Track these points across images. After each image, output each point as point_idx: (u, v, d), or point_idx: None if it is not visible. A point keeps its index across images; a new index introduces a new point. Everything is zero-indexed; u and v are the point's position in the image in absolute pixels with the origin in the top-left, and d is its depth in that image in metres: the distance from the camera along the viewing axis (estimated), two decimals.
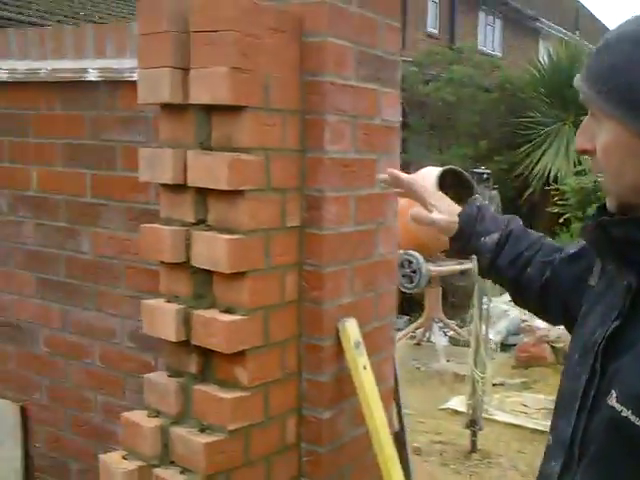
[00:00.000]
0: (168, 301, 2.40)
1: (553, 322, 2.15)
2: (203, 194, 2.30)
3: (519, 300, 2.10)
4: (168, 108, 2.33)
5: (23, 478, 3.85)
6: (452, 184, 4.79)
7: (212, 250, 2.24)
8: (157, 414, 2.42)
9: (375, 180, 2.30)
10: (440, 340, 9.26)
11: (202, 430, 2.31)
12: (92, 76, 3.08)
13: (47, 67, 3.23)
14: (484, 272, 2.10)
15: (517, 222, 2.07)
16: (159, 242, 2.34)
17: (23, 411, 3.79)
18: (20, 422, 3.79)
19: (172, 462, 2.34)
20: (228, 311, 2.30)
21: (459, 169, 5.13)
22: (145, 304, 2.42)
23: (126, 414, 2.46)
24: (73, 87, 3.22)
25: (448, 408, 7.10)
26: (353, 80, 2.50)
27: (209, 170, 2.21)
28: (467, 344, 9.03)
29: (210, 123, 2.26)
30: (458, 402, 7.01)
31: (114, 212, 3.20)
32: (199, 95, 2.21)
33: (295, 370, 2.52)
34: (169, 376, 2.45)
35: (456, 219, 2.02)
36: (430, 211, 2.04)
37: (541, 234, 2.08)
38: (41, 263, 3.55)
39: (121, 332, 3.29)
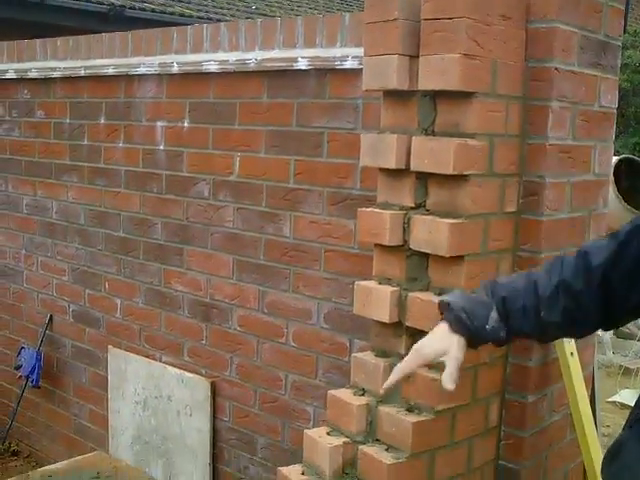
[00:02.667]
0: (380, 283, 2.47)
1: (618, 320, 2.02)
2: (423, 179, 2.35)
3: (575, 332, 2.12)
4: (392, 95, 2.39)
5: (211, 449, 4.03)
6: (628, 173, 4.68)
7: (432, 234, 2.29)
8: (363, 392, 2.48)
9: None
10: (607, 332, 9.01)
11: (409, 410, 2.35)
12: (302, 65, 3.19)
13: (257, 57, 3.36)
14: (509, 342, 2.11)
15: (494, 283, 2.06)
16: (377, 225, 2.40)
17: (213, 387, 3.97)
18: (210, 397, 3.97)
19: (377, 440, 2.39)
20: (443, 294, 2.34)
21: (636, 158, 4.96)
22: (360, 285, 2.48)
23: (332, 392, 2.52)
24: (281, 76, 3.35)
25: (616, 401, 6.91)
26: (575, 66, 2.50)
27: (434, 155, 2.26)
28: (632, 337, 8.76)
29: (435, 109, 2.31)
30: (627, 395, 6.80)
31: (317, 197, 3.31)
32: (427, 82, 2.26)
33: (502, 354, 2.54)
34: (376, 356, 2.52)
35: (456, 338, 1.99)
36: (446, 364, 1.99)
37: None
38: (240, 246, 3.71)
39: (317, 313, 3.40)
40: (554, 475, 2.72)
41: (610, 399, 6.98)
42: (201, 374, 4.03)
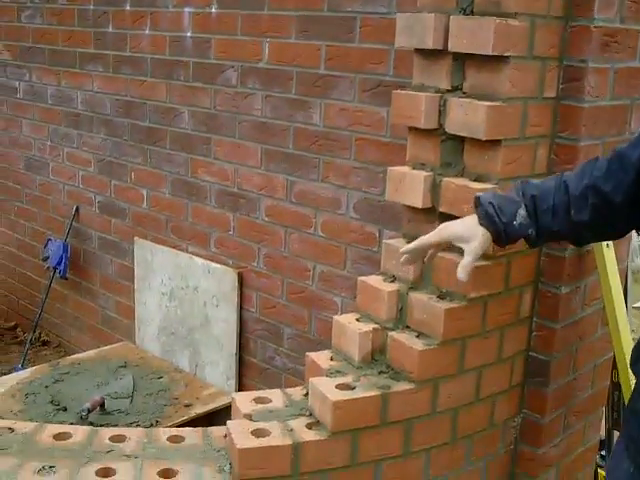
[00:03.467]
0: (413, 168, 2.42)
1: None
2: (461, 60, 2.28)
3: (607, 233, 2.09)
4: None
5: (237, 339, 4.06)
6: None
7: (469, 116, 2.23)
8: (393, 279, 2.46)
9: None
10: (635, 238, 8.95)
11: (441, 297, 2.33)
12: None
13: None
14: (541, 242, 2.12)
15: (525, 183, 2.06)
16: (412, 108, 2.34)
17: (240, 277, 3.97)
18: (237, 288, 3.98)
19: (407, 327, 2.37)
20: (478, 180, 2.30)
21: None
22: (393, 170, 2.44)
23: (362, 278, 2.50)
24: None
25: None
26: None
27: (473, 35, 2.17)
28: None
29: None
30: None
31: (348, 84, 3.23)
32: None
33: None
34: (407, 242, 2.48)
35: (482, 230, 2.02)
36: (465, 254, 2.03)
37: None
38: (268, 134, 3.66)
39: (346, 203, 3.36)
40: (583, 368, 2.71)
41: (636, 305, 6.97)
42: (228, 265, 4.03)
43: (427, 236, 2.12)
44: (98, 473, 2.10)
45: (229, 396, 4.14)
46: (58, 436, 2.29)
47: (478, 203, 2.04)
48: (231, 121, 3.84)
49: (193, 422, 3.78)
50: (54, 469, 2.10)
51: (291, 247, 3.68)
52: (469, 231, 2.04)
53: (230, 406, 4.01)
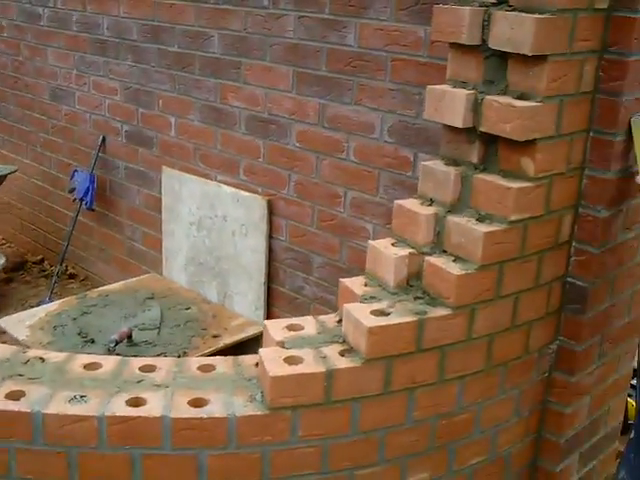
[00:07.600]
0: (454, 87, 2.33)
1: None
2: None
3: None
4: None
5: (266, 269, 4.02)
6: None
7: (515, 30, 2.12)
8: (431, 202, 2.38)
9: None
10: None
11: (480, 220, 2.26)
12: None
13: None
14: None
15: None
16: (454, 23, 2.24)
17: (270, 205, 3.91)
18: (266, 216, 3.91)
19: (444, 251, 2.31)
20: (521, 97, 2.21)
21: None
22: (432, 89, 2.35)
23: (399, 202, 2.42)
24: None
25: None
26: None
27: None
28: None
29: None
30: None
31: (384, 2, 3.12)
32: None
33: (579, 165, 2.40)
34: (446, 164, 2.41)
35: None
36: None
37: None
38: (300, 57, 3.56)
39: (380, 127, 3.27)
40: (621, 295, 2.64)
41: None
42: (257, 192, 3.97)
43: None
44: (128, 402, 2.08)
45: (258, 326, 4.12)
46: (89, 366, 2.28)
47: None
48: (262, 44, 3.74)
49: (222, 353, 3.75)
50: (85, 399, 2.10)
51: (322, 173, 3.60)
52: None
53: (259, 336, 4.04)
